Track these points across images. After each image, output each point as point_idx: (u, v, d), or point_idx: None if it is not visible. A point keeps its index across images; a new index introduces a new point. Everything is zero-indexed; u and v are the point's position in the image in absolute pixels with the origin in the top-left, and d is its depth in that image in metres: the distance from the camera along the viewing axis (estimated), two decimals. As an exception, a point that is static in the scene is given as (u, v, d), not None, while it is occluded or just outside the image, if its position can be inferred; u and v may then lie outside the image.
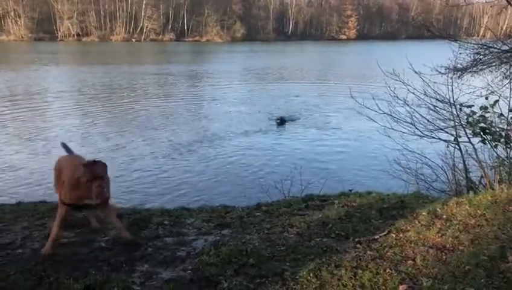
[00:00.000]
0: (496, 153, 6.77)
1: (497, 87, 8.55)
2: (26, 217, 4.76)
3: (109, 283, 3.18)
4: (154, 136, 14.86)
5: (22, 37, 75.39)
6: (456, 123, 7.21)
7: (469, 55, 9.62)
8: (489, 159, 7.02)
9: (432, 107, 7.68)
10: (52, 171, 4.23)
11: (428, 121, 7.61)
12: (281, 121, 16.30)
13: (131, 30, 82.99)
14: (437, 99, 7.59)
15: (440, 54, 10.07)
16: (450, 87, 7.48)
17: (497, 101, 6.79)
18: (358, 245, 3.84)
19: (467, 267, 3.33)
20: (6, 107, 19.50)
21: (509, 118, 6.72)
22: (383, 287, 3.08)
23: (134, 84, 27.97)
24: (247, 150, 13.23)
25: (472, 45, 9.51)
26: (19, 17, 75.39)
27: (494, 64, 9.65)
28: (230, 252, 3.66)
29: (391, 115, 7.75)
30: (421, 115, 7.67)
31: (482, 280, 3.16)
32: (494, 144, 6.67)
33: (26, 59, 43.74)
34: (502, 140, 6.57)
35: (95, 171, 3.45)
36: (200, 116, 18.73)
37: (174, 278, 3.31)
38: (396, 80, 7.85)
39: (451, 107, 7.36)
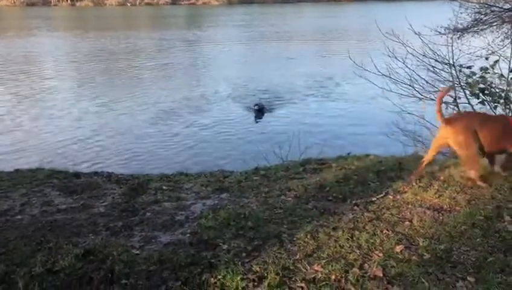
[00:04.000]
0: (495, 114, 6.74)
1: (497, 47, 8.44)
2: (24, 183, 4.76)
3: (108, 247, 3.20)
4: (152, 101, 14.75)
5: (14, 2, 73.61)
6: (456, 84, 7.15)
7: (470, 14, 9.44)
8: (489, 121, 6.98)
9: (431, 69, 7.60)
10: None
11: (427, 82, 7.55)
12: (259, 109, 13.19)
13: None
14: (436, 60, 7.51)
15: (440, 14, 9.87)
16: (449, 48, 7.39)
17: (497, 61, 6.71)
18: (355, 207, 3.86)
19: (463, 227, 3.37)
20: (5, 73, 19.29)
21: (509, 79, 6.67)
22: (380, 248, 3.11)
23: (130, 50, 27.54)
24: (245, 115, 13.17)
25: (473, 4, 9.32)
26: (10, -19, 73.51)
27: (495, 24, 9.47)
28: (229, 216, 3.68)
29: (390, 77, 7.68)
30: (419, 76, 7.59)
31: (478, 239, 3.19)
32: (493, 105, 6.64)
33: (23, 25, 42.93)
34: (502, 101, 6.54)
35: None
36: (197, 81, 18.52)
37: (173, 242, 3.34)
38: (396, 41, 7.73)
39: (451, 68, 7.28)
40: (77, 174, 5.27)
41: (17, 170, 5.56)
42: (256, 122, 12.75)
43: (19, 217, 3.87)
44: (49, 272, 2.89)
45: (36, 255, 3.10)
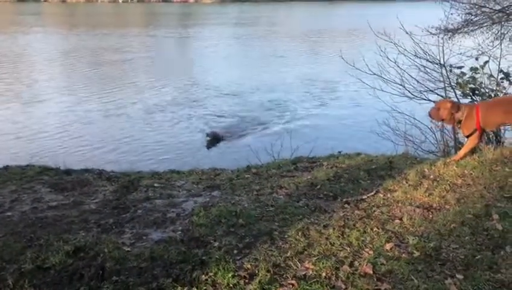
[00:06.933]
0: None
1: (487, 48, 8.52)
2: (14, 180, 4.71)
3: (99, 244, 3.19)
4: (143, 99, 14.70)
5: (4, -3, 72.97)
6: (446, 84, 7.22)
7: (461, 15, 9.52)
8: (478, 120, 7.05)
9: (422, 68, 7.66)
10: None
11: (418, 82, 7.61)
12: (213, 138, 11.01)
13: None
14: (427, 60, 7.56)
15: (432, 14, 9.95)
16: (440, 48, 7.45)
17: (487, 62, 6.78)
18: (346, 205, 3.89)
19: (452, 226, 3.40)
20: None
21: (498, 79, 6.74)
22: (370, 246, 3.13)
23: (121, 48, 27.41)
24: (236, 113, 13.15)
25: (464, 4, 9.41)
26: (0, -23, 72.74)
27: (485, 24, 9.56)
28: (220, 213, 3.68)
29: (381, 77, 7.72)
30: (410, 76, 7.65)
31: (467, 237, 3.23)
32: (482, 105, 6.69)
33: (13, 21, 42.53)
34: (491, 101, 6.59)
35: None
36: (189, 80, 18.48)
37: (164, 239, 3.33)
38: (387, 41, 7.78)
39: (442, 68, 7.34)
40: (68, 171, 5.23)
41: (6, 167, 5.49)
42: (208, 149, 10.68)
43: (9, 213, 3.83)
44: (40, 268, 2.88)
45: (26, 252, 3.08)
